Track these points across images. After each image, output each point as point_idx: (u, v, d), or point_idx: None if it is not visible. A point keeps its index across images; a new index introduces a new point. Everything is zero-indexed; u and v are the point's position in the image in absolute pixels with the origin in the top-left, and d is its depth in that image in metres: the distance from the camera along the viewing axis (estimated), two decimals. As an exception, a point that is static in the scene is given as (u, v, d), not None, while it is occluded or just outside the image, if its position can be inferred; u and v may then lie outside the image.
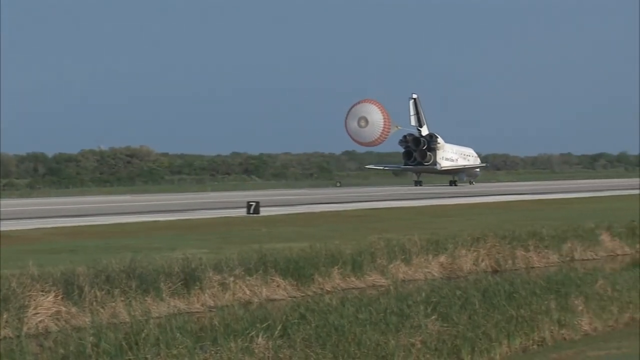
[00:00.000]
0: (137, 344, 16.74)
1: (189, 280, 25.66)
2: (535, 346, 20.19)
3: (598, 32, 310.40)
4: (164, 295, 24.63)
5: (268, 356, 16.98)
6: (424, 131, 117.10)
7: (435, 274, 31.19)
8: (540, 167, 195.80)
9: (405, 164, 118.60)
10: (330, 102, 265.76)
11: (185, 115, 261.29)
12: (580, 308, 22.15)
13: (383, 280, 29.29)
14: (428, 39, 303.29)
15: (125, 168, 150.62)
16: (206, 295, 25.51)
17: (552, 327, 20.85)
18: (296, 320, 18.72)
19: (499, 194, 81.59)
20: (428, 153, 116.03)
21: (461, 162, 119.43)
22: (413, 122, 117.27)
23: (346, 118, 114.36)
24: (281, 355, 17.01)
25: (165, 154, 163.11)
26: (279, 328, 18.03)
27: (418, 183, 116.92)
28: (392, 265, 30.44)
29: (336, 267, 28.88)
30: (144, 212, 54.12)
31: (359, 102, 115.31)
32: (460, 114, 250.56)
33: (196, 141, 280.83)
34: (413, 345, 18.14)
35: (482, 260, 33.11)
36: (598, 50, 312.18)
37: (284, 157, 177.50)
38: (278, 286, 27.19)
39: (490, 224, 40.67)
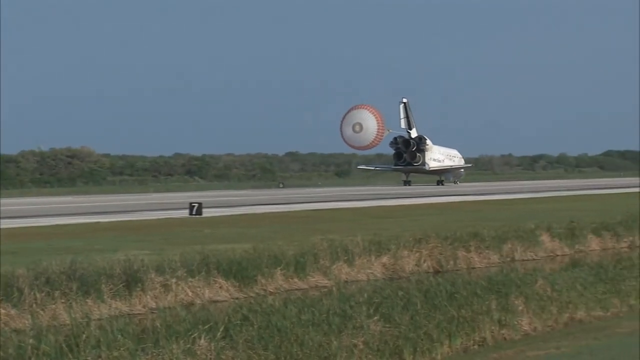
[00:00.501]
0: (77, 346, 16.59)
1: (131, 281, 25.50)
2: (476, 346, 20.37)
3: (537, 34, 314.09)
4: (105, 297, 24.45)
5: (210, 358, 16.93)
6: (413, 133, 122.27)
7: (378, 275, 31.32)
8: (482, 168, 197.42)
9: (396, 165, 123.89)
10: (274, 102, 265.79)
11: (126, 116, 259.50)
12: (521, 308, 22.40)
13: (326, 281, 29.35)
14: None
15: (66, 169, 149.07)
16: (148, 296, 25.37)
17: (492, 327, 21.06)
18: (239, 322, 18.69)
19: (442, 195, 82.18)
20: (417, 154, 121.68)
21: (447, 163, 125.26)
22: (403, 125, 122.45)
23: (341, 123, 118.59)
24: (223, 357, 16.98)
25: (107, 155, 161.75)
26: (221, 329, 17.99)
27: (407, 183, 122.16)
28: (335, 266, 30.52)
29: (279, 268, 28.89)
30: (85, 214, 53.65)
31: (354, 108, 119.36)
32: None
33: (138, 142, 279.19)
34: (355, 346, 18.21)
35: (424, 261, 33.32)
36: (538, 52, 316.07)
37: (226, 158, 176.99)
38: (221, 287, 27.13)
39: (432, 225, 40.95)
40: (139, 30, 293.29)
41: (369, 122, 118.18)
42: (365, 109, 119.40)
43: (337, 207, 60.99)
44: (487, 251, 35.54)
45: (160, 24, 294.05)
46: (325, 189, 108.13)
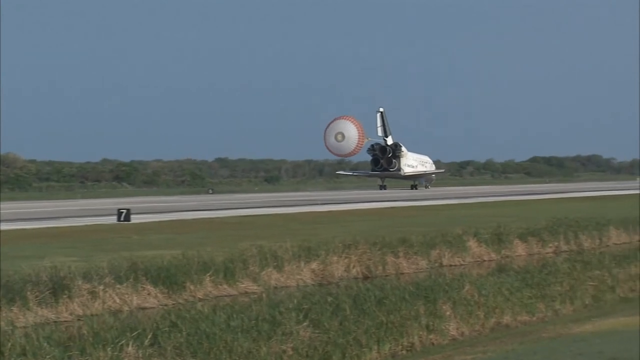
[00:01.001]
0: (2, 354, 16.35)
1: (58, 289, 25.19)
2: (404, 351, 20.52)
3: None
4: (31, 304, 24.12)
5: (138, 365, 16.80)
6: (389, 141, 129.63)
7: (308, 281, 31.37)
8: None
9: (373, 170, 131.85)
10: (203, 106, 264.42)
11: (52, 121, 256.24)
12: (448, 313, 22.61)
13: (255, 288, 29.32)
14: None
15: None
16: (75, 304, 25.09)
17: (420, 332, 21.23)
18: (167, 328, 18.59)
19: (370, 200, 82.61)
20: (393, 160, 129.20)
21: (420, 169, 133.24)
22: (380, 132, 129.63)
23: (325, 133, 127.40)
24: (152, 364, 16.86)
25: (33, 161, 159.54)
26: (149, 336, 17.87)
27: (383, 187, 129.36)
28: (264, 273, 30.49)
29: (208, 274, 28.78)
30: (11, 220, 52.84)
31: (336, 119, 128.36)
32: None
33: (65, 148, 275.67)
34: (284, 352, 18.23)
35: (354, 267, 33.45)
36: (465, 61, 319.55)
37: (155, 164, 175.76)
38: (149, 294, 26.94)
39: (362, 231, 41.14)
40: (62, 29, 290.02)
41: (351, 132, 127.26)
42: (347, 120, 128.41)
43: (267, 213, 60.95)
44: (415, 257, 35.80)
45: (84, 25, 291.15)
46: (259, 194, 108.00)
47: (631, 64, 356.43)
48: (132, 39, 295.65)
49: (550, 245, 42.44)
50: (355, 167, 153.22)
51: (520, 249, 41.09)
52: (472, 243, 39.25)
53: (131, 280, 26.81)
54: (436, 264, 36.17)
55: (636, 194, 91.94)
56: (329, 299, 22.24)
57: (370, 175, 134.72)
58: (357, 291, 23.40)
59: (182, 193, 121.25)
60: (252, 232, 42.62)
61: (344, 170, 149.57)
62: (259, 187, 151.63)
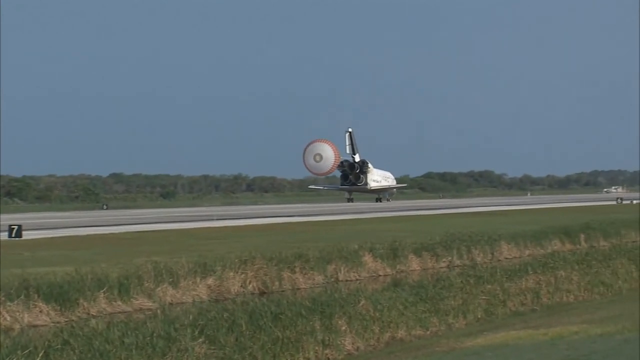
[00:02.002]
0: None
1: (-55, 307, 24.54)
2: (300, 366, 20.55)
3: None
4: None
5: (29, 384, 16.49)
6: (357, 158, 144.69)
7: (204, 297, 31.20)
8: (306, 189, 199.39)
9: (342, 184, 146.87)
10: (97, 120, 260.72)
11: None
12: (344, 328, 22.75)
13: (150, 304, 29.04)
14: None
15: None
16: (-36, 322, 24.48)
17: (316, 347, 21.31)
18: (59, 346, 18.29)
19: (266, 216, 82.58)
20: (361, 176, 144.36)
21: (384, 183, 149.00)
22: (348, 150, 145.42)
23: (304, 154, 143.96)
24: (43, 383, 16.56)
25: None
26: (40, 354, 17.57)
27: (350, 200, 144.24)
28: (159, 289, 30.22)
29: (102, 291, 28.40)
30: None
31: (313, 142, 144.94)
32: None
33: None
34: (180, 368, 18.08)
35: (250, 282, 33.41)
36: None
37: (48, 179, 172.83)
38: (41, 311, 26.46)
39: (258, 246, 41.09)
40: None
41: (327, 153, 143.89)
42: (324, 143, 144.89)
43: (163, 228, 60.41)
44: (312, 272, 35.92)
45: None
46: (154, 210, 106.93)
47: (524, 85, 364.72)
48: (21, 46, 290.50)
49: (444, 260, 43.04)
50: (315, 182, 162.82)
51: (414, 263, 41.56)
52: (367, 258, 39.55)
53: (22, 297, 26.29)
54: (332, 279, 36.34)
55: (527, 209, 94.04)
56: (225, 314, 22.16)
57: (340, 189, 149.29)
58: (253, 307, 23.38)
59: (75, 209, 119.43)
60: (148, 248, 42.19)
61: (315, 184, 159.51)
62: (154, 202, 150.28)
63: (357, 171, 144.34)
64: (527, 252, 47.77)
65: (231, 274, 33.03)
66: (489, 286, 30.96)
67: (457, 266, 41.72)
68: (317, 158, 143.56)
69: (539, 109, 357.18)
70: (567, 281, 33.42)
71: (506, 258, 45.76)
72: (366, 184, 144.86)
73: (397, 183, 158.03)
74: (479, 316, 28.14)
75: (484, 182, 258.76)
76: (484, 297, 29.65)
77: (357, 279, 37.31)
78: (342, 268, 37.52)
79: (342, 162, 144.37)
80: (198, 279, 31.91)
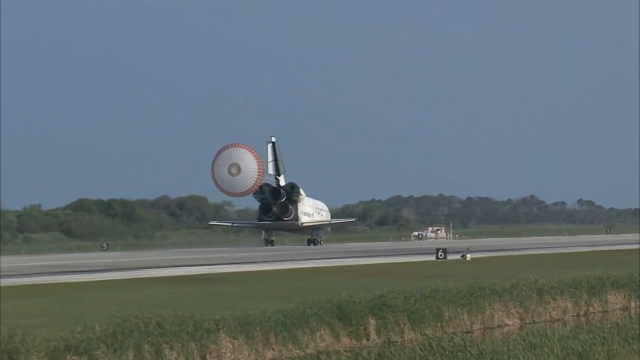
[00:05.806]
0: None
1: None
2: None
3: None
4: None
5: None
6: (282, 181, 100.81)
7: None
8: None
9: (260, 219, 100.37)
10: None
11: None
12: None
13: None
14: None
15: None
16: None
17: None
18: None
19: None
20: (289, 206, 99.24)
21: (317, 218, 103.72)
22: (271, 169, 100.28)
23: (213, 164, 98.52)
24: None
25: None
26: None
27: (269, 242, 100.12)
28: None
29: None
30: None
31: (228, 147, 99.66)
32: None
33: None
34: None
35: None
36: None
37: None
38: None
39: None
40: None
41: (249, 164, 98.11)
42: (243, 148, 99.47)
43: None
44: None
45: None
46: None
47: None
48: None
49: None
50: (226, 215, 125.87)
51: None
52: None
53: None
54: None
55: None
56: None
57: (257, 227, 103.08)
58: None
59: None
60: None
61: (218, 220, 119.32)
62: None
63: (284, 199, 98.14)
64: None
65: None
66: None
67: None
68: (234, 170, 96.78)
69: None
70: None
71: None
72: (296, 218, 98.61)
73: (338, 216, 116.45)
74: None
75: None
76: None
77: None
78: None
79: (261, 187, 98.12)
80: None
